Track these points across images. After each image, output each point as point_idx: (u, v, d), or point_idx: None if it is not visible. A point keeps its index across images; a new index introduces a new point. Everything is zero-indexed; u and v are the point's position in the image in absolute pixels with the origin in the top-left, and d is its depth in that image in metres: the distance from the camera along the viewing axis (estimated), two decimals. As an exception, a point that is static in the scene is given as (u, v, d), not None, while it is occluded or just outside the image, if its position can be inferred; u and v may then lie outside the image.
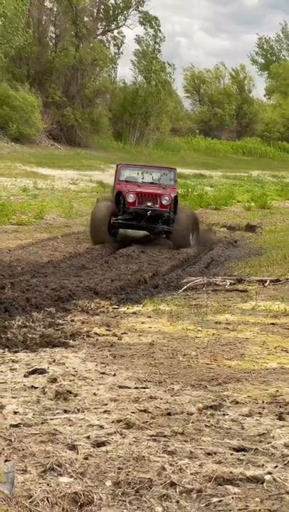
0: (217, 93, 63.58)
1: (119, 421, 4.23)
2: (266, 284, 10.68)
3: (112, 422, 4.23)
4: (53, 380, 5.17)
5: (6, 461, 3.21)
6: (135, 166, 17.82)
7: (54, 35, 45.79)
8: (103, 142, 45.10)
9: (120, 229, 16.36)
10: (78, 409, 4.52)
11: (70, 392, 4.86)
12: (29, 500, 2.97)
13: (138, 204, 15.87)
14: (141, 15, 48.86)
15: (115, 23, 49.62)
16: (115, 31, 50.06)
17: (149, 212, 15.70)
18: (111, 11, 48.92)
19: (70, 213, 19.59)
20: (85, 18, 46.60)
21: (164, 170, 17.39)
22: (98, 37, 48.87)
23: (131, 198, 15.85)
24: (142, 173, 16.94)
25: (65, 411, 4.48)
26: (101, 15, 49.43)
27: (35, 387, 5.03)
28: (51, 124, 41.94)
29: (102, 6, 49.03)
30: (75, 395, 4.83)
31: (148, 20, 49.07)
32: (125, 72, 65.11)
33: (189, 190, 25.58)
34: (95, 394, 4.89)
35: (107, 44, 49.42)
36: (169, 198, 15.90)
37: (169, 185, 16.62)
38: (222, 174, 36.91)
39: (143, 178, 16.81)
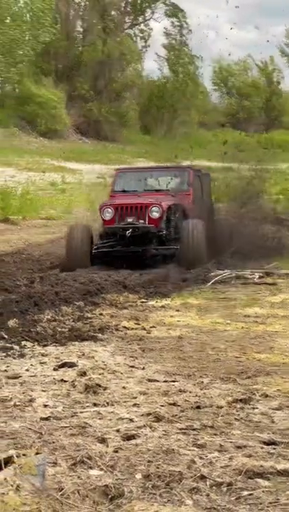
0: (245, 85, 63.24)
1: (148, 414, 4.23)
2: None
3: (142, 415, 4.23)
4: (83, 374, 5.19)
5: (36, 453, 3.22)
6: (136, 171, 14.63)
7: (81, 30, 45.82)
8: (130, 136, 45.08)
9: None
10: (108, 403, 4.53)
11: (100, 386, 4.87)
12: (60, 493, 2.99)
13: (118, 222, 12.16)
14: (168, 8, 48.73)
15: (142, 16, 49.54)
16: (142, 25, 50.00)
17: (128, 232, 11.88)
18: (138, 5, 48.83)
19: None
20: (113, 12, 46.57)
21: (175, 171, 13.77)
22: (125, 31, 48.82)
23: (108, 214, 12.29)
24: (144, 180, 13.58)
25: (95, 404, 4.49)
26: (128, 8, 49.37)
27: (65, 381, 5.04)
28: (78, 119, 42.01)
29: (130, 0, 48.96)
30: (105, 389, 4.84)
31: (174, 13, 48.91)
32: (153, 65, 65.00)
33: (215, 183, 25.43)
34: (124, 387, 4.90)
35: (134, 38, 49.36)
36: (159, 209, 12.09)
37: (181, 191, 12.98)
38: (249, 167, 36.66)
39: (146, 186, 13.38)
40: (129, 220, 12.05)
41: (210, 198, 14.78)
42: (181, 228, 12.33)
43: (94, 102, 42.75)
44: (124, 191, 13.20)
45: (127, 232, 11.89)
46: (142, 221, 12.08)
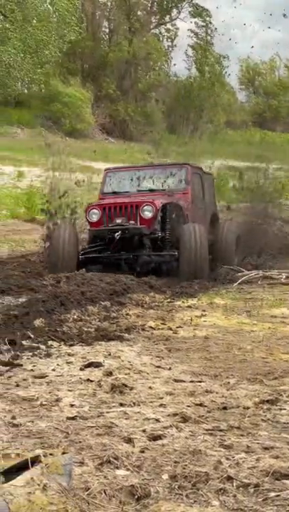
0: (272, 85, 62.99)
1: (175, 414, 4.22)
2: None
3: (168, 415, 4.23)
4: (109, 374, 5.19)
5: (63, 453, 3.22)
6: (128, 170, 12.98)
7: (108, 30, 45.90)
8: (156, 136, 45.04)
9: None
10: (134, 403, 4.52)
11: (126, 386, 4.87)
12: (87, 493, 2.99)
13: (106, 224, 11.15)
14: (192, 8, 48.65)
15: (168, 16, 49.51)
16: (168, 24, 49.96)
17: (117, 234, 10.75)
18: (164, 5, 48.80)
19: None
20: (139, 12, 46.60)
21: (171, 169, 12.41)
22: (151, 30, 48.82)
23: (94, 216, 11.30)
24: (137, 179, 12.29)
25: (121, 404, 4.49)
26: (154, 8, 49.37)
27: (91, 381, 5.05)
28: (104, 118, 42.09)
29: (156, 0, 48.95)
30: (131, 389, 4.84)
31: (199, 12, 48.81)
32: (179, 65, 64.89)
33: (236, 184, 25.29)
34: (150, 387, 4.89)
35: (160, 37, 49.35)
36: (151, 208, 10.99)
37: (179, 190, 11.84)
38: (277, 167, 36.51)
39: (139, 186, 12.22)
40: (118, 221, 10.94)
41: (214, 201, 13.64)
42: (179, 232, 10.99)
43: (120, 102, 42.80)
44: (114, 193, 12.08)
45: (116, 234, 10.71)
46: (132, 222, 10.94)
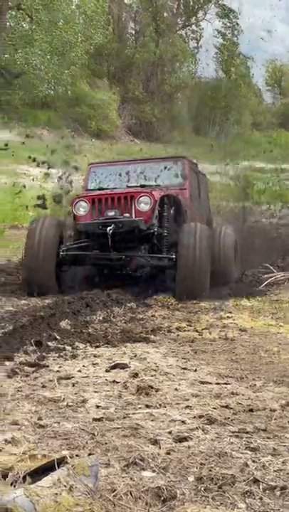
0: (299, 86, 62.70)
1: (200, 416, 4.21)
2: None
3: (194, 417, 4.22)
4: (135, 375, 5.20)
5: (89, 454, 3.23)
6: (116, 164, 11.60)
7: (134, 32, 45.95)
8: (182, 137, 45.04)
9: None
10: (160, 404, 4.52)
11: (152, 387, 4.87)
12: (113, 494, 2.99)
13: (95, 216, 9.61)
14: (219, 9, 48.56)
15: (194, 17, 49.47)
16: (194, 25, 49.91)
17: (109, 229, 9.19)
18: (190, 6, 48.78)
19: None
20: (165, 14, 46.60)
21: (165, 162, 10.93)
22: (177, 32, 48.80)
23: (82, 208, 9.73)
24: (126, 174, 10.81)
25: (147, 406, 4.49)
26: (181, 10, 49.35)
27: (117, 382, 5.06)
28: (130, 120, 42.14)
29: (182, 1, 48.93)
30: (157, 390, 4.84)
31: (226, 13, 48.71)
32: (205, 66, 64.79)
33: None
34: (176, 389, 4.89)
35: (186, 39, 49.32)
36: (149, 199, 9.49)
37: (175, 186, 10.42)
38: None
39: (129, 181, 10.70)
40: (110, 213, 9.41)
41: (208, 205, 12.30)
42: (179, 230, 9.67)
43: (146, 104, 42.83)
44: (100, 189, 10.42)
45: (108, 228, 9.13)
46: (127, 215, 9.41)
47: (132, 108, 42.57)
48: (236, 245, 11.01)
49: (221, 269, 10.05)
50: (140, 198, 9.49)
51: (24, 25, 34.12)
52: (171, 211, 9.90)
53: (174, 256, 9.35)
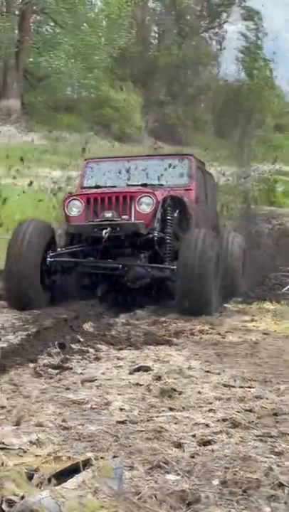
0: None
1: (224, 420, 4.21)
2: None
3: (218, 420, 4.22)
4: (158, 378, 5.20)
5: (114, 457, 3.24)
6: (116, 160, 10.49)
7: (157, 35, 45.99)
8: (205, 140, 45.02)
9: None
10: (183, 407, 4.52)
11: (175, 390, 4.87)
12: (137, 497, 3.00)
13: (90, 218, 8.63)
14: (243, 11, 48.49)
15: (218, 20, 49.43)
16: (217, 28, 49.86)
17: (105, 232, 8.23)
18: (214, 9, 48.75)
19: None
20: (188, 17, 46.62)
21: (170, 159, 9.94)
22: (200, 34, 48.79)
23: (75, 208, 8.72)
24: (126, 172, 9.81)
25: (171, 409, 4.49)
26: (204, 12, 49.34)
27: (140, 385, 5.06)
28: (153, 123, 42.18)
29: (205, 4, 48.91)
30: (180, 393, 4.84)
31: (250, 15, 48.63)
32: (228, 68, 64.71)
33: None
34: (199, 392, 4.88)
35: (209, 41, 49.29)
36: (151, 199, 8.58)
37: (179, 186, 9.47)
38: None
39: (129, 179, 9.67)
40: (107, 215, 8.46)
41: (215, 208, 11.19)
42: (183, 236, 8.77)
43: (169, 106, 42.86)
44: (98, 187, 9.44)
45: (104, 231, 8.19)
46: (125, 217, 8.47)
47: (155, 111, 42.62)
48: (245, 256, 10.18)
49: (225, 282, 8.96)
50: (141, 199, 8.53)
51: (48, 28, 34.28)
52: (175, 214, 8.88)
53: (174, 267, 8.35)
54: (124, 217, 8.47)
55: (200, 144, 43.53)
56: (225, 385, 5.09)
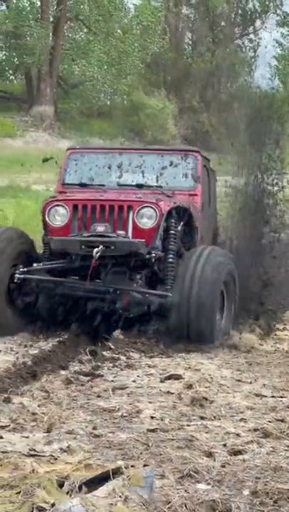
0: None
1: (255, 430, 4.19)
2: None
3: (249, 430, 4.20)
4: (189, 386, 5.18)
5: (144, 465, 3.25)
6: (105, 151, 8.65)
7: (191, 42, 46.03)
8: (238, 147, 44.89)
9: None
10: (214, 417, 4.51)
11: (206, 399, 4.86)
12: (167, 506, 2.99)
13: (77, 230, 7.13)
14: (278, 18, 48.34)
15: (252, 26, 49.33)
16: (251, 35, 49.77)
17: (96, 251, 6.69)
18: (248, 15, 48.67)
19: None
20: (222, 23, 46.59)
21: (173, 156, 8.16)
22: (234, 41, 48.74)
23: (59, 217, 7.21)
24: (117, 167, 8.09)
25: (202, 417, 4.49)
26: (238, 19, 49.28)
27: (171, 393, 5.06)
28: (186, 130, 42.20)
29: (240, 11, 48.86)
30: (211, 402, 4.83)
31: (285, 22, 48.47)
32: (262, 75, 64.54)
33: None
34: (231, 401, 4.87)
35: (243, 48, 49.22)
36: (155, 212, 7.07)
37: (182, 189, 7.84)
38: None
39: (121, 177, 8.05)
40: (100, 228, 6.94)
41: (216, 211, 9.22)
42: (184, 254, 7.36)
43: (202, 113, 42.85)
44: (82, 185, 7.89)
45: (95, 250, 6.67)
46: (121, 232, 6.99)
47: (188, 117, 42.64)
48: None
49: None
50: (142, 210, 7.06)
51: (82, 35, 34.46)
52: (179, 227, 7.41)
53: (169, 294, 6.89)
54: (119, 232, 6.98)
55: (232, 151, 43.46)
56: (256, 395, 5.07)
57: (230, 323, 7.37)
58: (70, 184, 8.02)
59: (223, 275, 7.09)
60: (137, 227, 7.06)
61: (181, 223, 7.46)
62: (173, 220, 7.27)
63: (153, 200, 7.19)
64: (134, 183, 7.83)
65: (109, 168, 8.14)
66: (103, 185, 7.87)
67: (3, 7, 30.17)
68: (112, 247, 6.83)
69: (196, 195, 7.90)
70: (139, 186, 7.72)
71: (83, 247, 6.88)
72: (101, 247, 6.73)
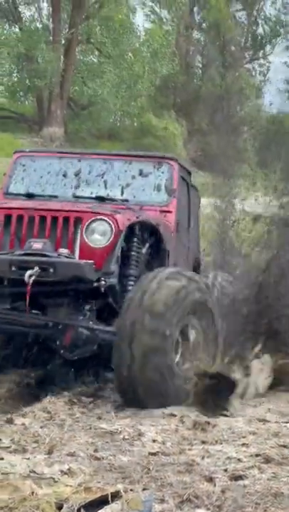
0: None
1: (257, 455, 4.17)
2: None
3: (251, 455, 4.18)
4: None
5: (144, 489, 3.23)
6: (61, 156, 7.16)
7: (201, 65, 46.31)
8: (247, 171, 44.97)
9: None
10: (216, 441, 4.50)
11: (208, 423, 4.85)
12: (166, 531, 2.98)
13: (9, 247, 5.80)
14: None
15: (262, 51, 49.62)
16: (261, 59, 50.04)
17: (29, 274, 5.38)
18: (258, 40, 48.97)
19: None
20: (232, 48, 46.88)
21: (145, 163, 6.85)
22: (244, 65, 49.01)
23: None
24: (75, 176, 6.81)
25: (203, 442, 4.47)
26: (248, 44, 49.58)
27: (174, 415, 5.04)
28: (195, 152, 42.33)
29: (250, 35, 49.16)
30: (213, 426, 4.82)
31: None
32: (272, 99, 64.72)
33: None
34: (233, 426, 4.85)
35: (253, 72, 49.47)
36: (110, 226, 5.72)
37: (154, 204, 6.57)
38: None
39: (78, 188, 6.76)
40: (36, 245, 5.61)
41: (198, 236, 7.93)
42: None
43: (212, 136, 43.00)
44: (28, 195, 6.61)
45: (28, 273, 5.36)
46: (64, 251, 5.58)
47: (198, 140, 42.80)
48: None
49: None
50: (93, 224, 5.69)
51: (93, 58, 34.71)
52: (144, 249, 6.08)
53: (111, 328, 5.55)
54: (62, 251, 5.59)
55: (241, 175, 43.54)
56: (259, 420, 5.05)
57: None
58: (14, 194, 6.73)
59: (186, 305, 5.49)
60: (86, 246, 5.64)
61: (147, 244, 6.12)
62: (135, 240, 5.91)
63: (108, 212, 5.79)
64: (93, 196, 6.52)
65: (64, 176, 6.84)
66: (56, 197, 6.55)
67: (16, 29, 30.35)
68: (51, 270, 5.41)
69: (169, 211, 6.56)
70: (100, 199, 6.41)
71: (14, 268, 5.48)
72: (36, 269, 5.38)
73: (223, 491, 3.52)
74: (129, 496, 2.99)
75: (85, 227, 5.67)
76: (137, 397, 5.22)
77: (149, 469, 3.83)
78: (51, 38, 30.27)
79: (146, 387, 5.20)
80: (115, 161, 6.94)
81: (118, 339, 5.27)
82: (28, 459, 3.94)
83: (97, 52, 33.13)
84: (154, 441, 4.42)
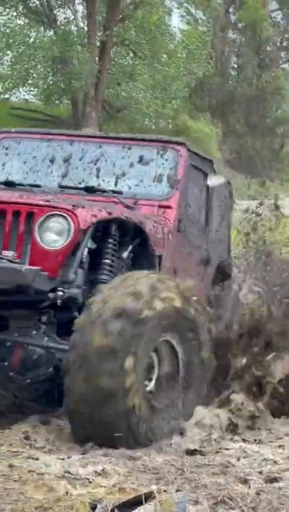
0: None
1: (293, 457, 4.14)
2: None
3: (287, 457, 4.15)
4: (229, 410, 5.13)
5: (177, 490, 3.21)
6: (50, 137, 6.14)
7: (236, 66, 46.17)
8: (283, 173, 44.73)
9: None
10: (253, 441, 4.47)
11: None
12: (200, 532, 2.96)
13: None
14: None
15: (298, 51, 49.34)
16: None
17: None
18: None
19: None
20: (268, 48, 46.67)
21: (144, 148, 5.84)
22: (280, 66, 48.77)
23: None
24: (64, 162, 5.85)
25: (243, 440, 4.46)
26: (285, 44, 49.32)
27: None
28: (230, 154, 42.19)
29: (286, 35, 48.91)
30: (250, 427, 4.78)
31: None
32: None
33: None
34: (270, 427, 4.82)
35: (289, 73, 49.20)
36: (69, 223, 4.60)
37: (150, 197, 5.58)
38: None
39: (66, 176, 5.81)
40: None
41: (228, 238, 6.92)
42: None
43: (247, 137, 42.85)
44: (7, 184, 5.63)
45: None
46: (9, 254, 4.58)
47: (233, 142, 42.67)
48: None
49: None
50: (47, 221, 4.68)
51: (128, 60, 34.76)
52: (126, 253, 5.08)
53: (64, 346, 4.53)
54: (6, 253, 4.58)
55: (278, 177, 43.33)
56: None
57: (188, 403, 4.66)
58: None
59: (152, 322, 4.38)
60: (39, 248, 4.63)
61: (130, 247, 5.09)
62: (110, 241, 4.92)
63: (67, 206, 4.73)
64: (85, 186, 5.58)
65: (51, 161, 5.89)
66: (38, 186, 5.60)
67: (51, 32, 30.51)
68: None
69: (168, 207, 5.53)
70: (89, 190, 5.49)
71: None
72: None
73: (257, 493, 3.49)
74: (163, 497, 2.97)
75: (37, 224, 4.64)
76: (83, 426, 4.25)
77: (183, 471, 3.81)
78: (86, 40, 30.36)
79: (97, 419, 4.17)
80: (112, 145, 5.95)
81: (70, 358, 4.28)
82: (63, 459, 3.95)
83: (131, 54, 33.16)
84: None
